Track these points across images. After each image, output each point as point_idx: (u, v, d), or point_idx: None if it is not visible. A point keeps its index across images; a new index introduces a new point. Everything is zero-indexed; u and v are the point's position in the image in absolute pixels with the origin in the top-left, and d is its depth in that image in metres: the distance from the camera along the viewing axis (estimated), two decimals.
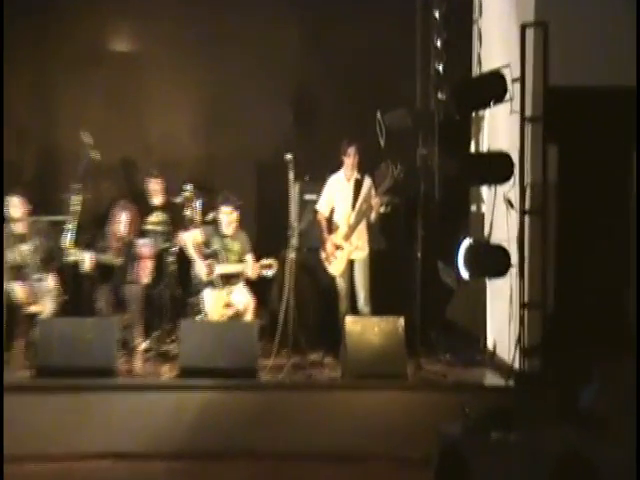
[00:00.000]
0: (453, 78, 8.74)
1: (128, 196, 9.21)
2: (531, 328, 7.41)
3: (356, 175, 8.61)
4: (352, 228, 8.51)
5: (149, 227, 8.97)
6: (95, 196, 9.10)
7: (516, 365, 7.46)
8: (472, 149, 9.07)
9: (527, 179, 7.43)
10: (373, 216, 8.49)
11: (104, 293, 8.41)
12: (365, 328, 7.75)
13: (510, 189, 7.52)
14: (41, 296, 8.22)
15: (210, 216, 8.85)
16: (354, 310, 8.49)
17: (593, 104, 7.25)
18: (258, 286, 8.60)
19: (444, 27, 8.82)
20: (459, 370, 8.12)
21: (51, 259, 8.37)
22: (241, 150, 9.77)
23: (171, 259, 8.77)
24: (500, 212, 7.95)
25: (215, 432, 7.23)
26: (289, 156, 8.05)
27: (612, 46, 7.28)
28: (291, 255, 8.10)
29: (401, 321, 7.74)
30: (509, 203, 7.58)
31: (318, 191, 8.81)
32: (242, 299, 8.39)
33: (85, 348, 7.46)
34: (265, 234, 9.44)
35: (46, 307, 8.19)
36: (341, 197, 8.63)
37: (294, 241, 8.20)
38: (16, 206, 8.31)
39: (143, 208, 8.98)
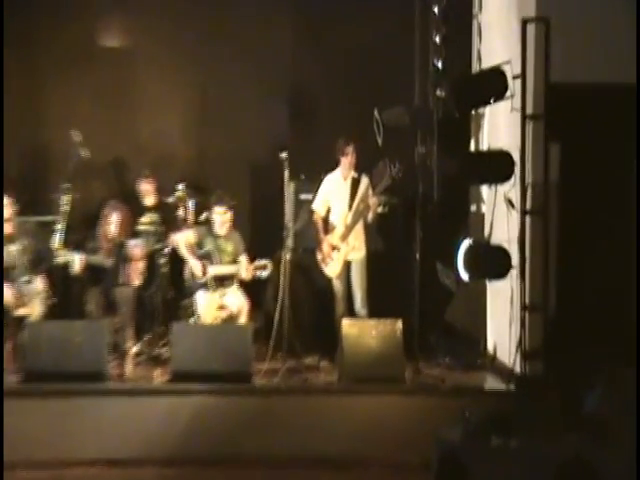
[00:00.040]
0: (452, 75, 8.73)
1: (119, 196, 9.20)
2: (532, 331, 7.40)
3: (353, 174, 8.61)
4: (349, 228, 8.51)
5: (141, 228, 8.96)
6: (85, 196, 9.09)
7: (517, 369, 7.46)
8: (472, 147, 9.08)
9: (528, 178, 7.42)
10: (370, 216, 8.48)
11: (94, 295, 8.39)
12: (362, 331, 7.74)
13: (511, 188, 7.52)
14: (29, 298, 8.19)
15: (203, 216, 8.85)
16: (351, 312, 8.48)
17: (596, 101, 7.26)
18: (252, 288, 8.59)
19: (443, 22, 8.80)
20: (458, 374, 8.12)
21: (40, 260, 8.35)
22: (235, 149, 9.76)
23: (163, 260, 8.77)
24: (500, 212, 7.95)
25: (208, 438, 7.22)
26: (284, 154, 8.05)
27: (615, 42, 7.28)
28: (286, 256, 8.09)
29: (399, 324, 7.74)
30: (510, 203, 7.58)
31: (314, 190, 8.80)
32: (236, 301, 8.38)
33: (75, 352, 7.45)
34: (259, 234, 9.43)
35: (35, 310, 8.16)
36: (338, 197, 8.62)
37: (289, 242, 8.20)
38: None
39: (134, 208, 8.96)
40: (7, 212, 8.28)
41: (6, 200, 8.26)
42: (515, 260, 7.43)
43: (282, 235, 8.15)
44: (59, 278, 8.49)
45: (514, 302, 7.59)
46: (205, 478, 7.03)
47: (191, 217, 8.99)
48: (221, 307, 8.38)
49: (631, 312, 7.09)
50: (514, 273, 7.47)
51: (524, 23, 7.36)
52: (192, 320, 8.38)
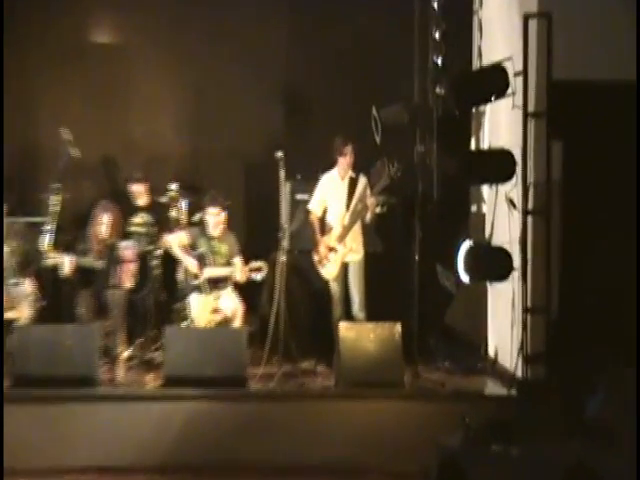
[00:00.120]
0: (452, 72, 8.73)
1: (110, 196, 9.21)
2: (534, 334, 7.41)
3: (350, 173, 8.61)
4: (346, 229, 8.51)
5: (132, 229, 8.96)
6: (75, 196, 9.09)
7: (518, 373, 7.46)
8: (472, 146, 9.08)
9: (530, 177, 7.43)
10: (368, 217, 8.48)
11: (85, 298, 8.39)
12: (360, 334, 7.74)
13: (512, 188, 7.53)
14: (18, 301, 8.20)
15: (196, 217, 8.86)
16: (348, 316, 8.49)
17: (599, 99, 7.26)
18: (247, 290, 8.59)
19: (443, 18, 8.80)
20: (459, 378, 8.12)
21: (29, 262, 8.35)
22: (229, 148, 9.78)
23: (155, 262, 8.77)
24: (502, 212, 7.96)
25: (202, 444, 7.21)
26: (280, 154, 8.06)
27: (619, 38, 7.29)
28: (282, 258, 8.09)
29: (398, 327, 7.74)
30: (511, 203, 7.58)
31: (310, 190, 8.81)
32: (230, 304, 8.39)
33: (65, 356, 7.45)
34: (254, 236, 9.44)
35: (23, 313, 8.17)
36: (335, 197, 8.62)
37: (285, 243, 8.20)
38: None
39: (126, 209, 8.96)
40: None
41: None
42: (517, 261, 7.43)
43: (278, 236, 8.15)
44: (48, 280, 8.50)
45: (515, 304, 7.59)
46: None
47: (184, 218, 9.00)
48: (215, 310, 8.38)
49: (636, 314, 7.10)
50: (516, 275, 7.47)
51: (526, 19, 7.37)
52: (185, 323, 8.38)
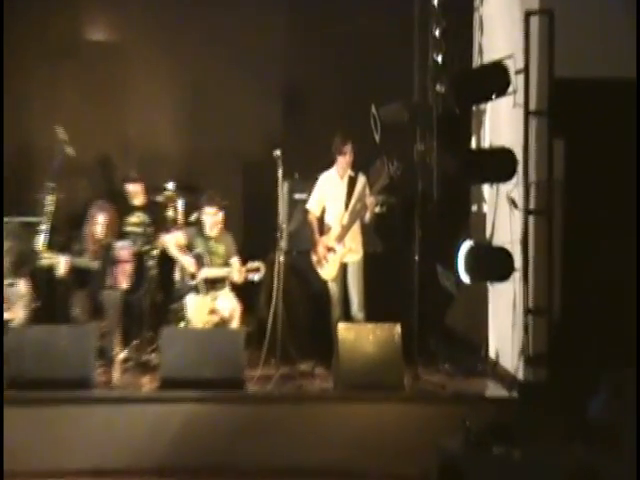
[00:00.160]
0: (453, 69, 8.73)
1: (106, 196, 9.20)
2: (536, 336, 7.41)
3: (350, 172, 8.61)
4: (345, 229, 8.51)
5: (128, 228, 8.95)
6: (70, 196, 9.10)
7: (520, 375, 7.47)
8: (473, 145, 9.08)
9: (531, 177, 7.43)
10: (368, 216, 8.48)
11: (80, 299, 8.38)
12: (359, 336, 7.74)
13: (513, 187, 7.53)
14: (12, 302, 8.19)
15: (193, 217, 8.86)
16: (347, 317, 8.49)
17: (602, 97, 7.26)
18: (245, 291, 8.59)
19: (443, 15, 8.80)
20: (459, 380, 8.13)
21: (23, 263, 8.35)
22: (226, 146, 9.77)
23: (152, 263, 8.77)
24: (503, 212, 7.96)
25: (199, 447, 7.22)
26: (278, 152, 8.05)
27: (622, 35, 7.28)
28: (280, 258, 8.09)
29: (397, 328, 7.74)
30: (512, 202, 7.59)
31: (309, 190, 8.81)
32: (228, 305, 8.39)
33: (60, 358, 7.44)
34: (252, 236, 9.44)
35: (18, 314, 8.17)
36: (333, 196, 8.62)
37: (283, 243, 8.20)
38: None
39: (122, 208, 8.95)
40: None
41: None
42: (518, 262, 7.43)
43: (275, 236, 8.15)
44: (43, 281, 8.50)
45: (517, 306, 7.60)
46: None
47: (181, 218, 9.00)
48: (212, 311, 8.39)
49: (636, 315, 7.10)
50: (517, 275, 7.47)
51: (527, 15, 7.37)
52: (182, 325, 8.38)
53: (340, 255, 8.51)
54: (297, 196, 9.18)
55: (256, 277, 8.31)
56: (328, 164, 8.67)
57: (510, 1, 8.08)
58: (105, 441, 7.18)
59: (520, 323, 7.50)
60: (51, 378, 7.35)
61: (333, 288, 8.58)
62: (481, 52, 8.88)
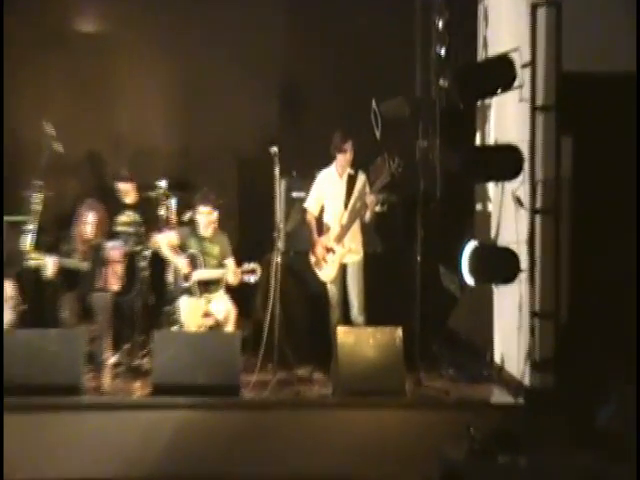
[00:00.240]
0: (456, 63, 8.75)
1: (95, 194, 9.19)
2: (542, 340, 7.42)
3: (349, 170, 8.61)
4: (345, 229, 8.51)
5: (119, 228, 8.95)
6: (58, 194, 9.10)
7: (526, 381, 7.47)
8: (477, 141, 9.09)
9: (538, 174, 7.44)
10: (368, 215, 8.49)
11: (69, 301, 8.39)
12: (359, 340, 7.75)
13: (519, 186, 7.53)
14: None
15: (187, 216, 8.85)
16: (347, 320, 8.50)
17: (611, 92, 7.26)
18: (240, 293, 8.60)
19: (446, 6, 8.82)
20: (463, 386, 8.13)
21: (9, 264, 8.35)
22: (221, 142, 9.78)
23: (143, 264, 8.76)
24: (508, 211, 7.97)
25: (192, 456, 7.21)
26: (274, 149, 8.06)
27: (632, 28, 7.28)
28: (277, 259, 8.09)
29: (399, 332, 7.75)
30: (518, 201, 7.59)
31: (307, 188, 8.82)
32: (222, 308, 8.39)
33: (48, 363, 7.45)
34: (248, 236, 9.46)
35: (4, 317, 8.16)
36: (332, 194, 8.63)
37: (280, 244, 8.21)
38: None
39: (112, 207, 8.95)
40: None
41: None
42: (524, 263, 7.44)
43: (272, 236, 8.16)
44: (31, 283, 8.49)
45: (523, 308, 7.60)
46: None
47: (174, 217, 8.99)
48: (206, 314, 8.40)
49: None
50: (523, 277, 7.47)
51: (534, 7, 7.38)
52: (175, 328, 8.38)
53: (339, 256, 8.51)
54: (295, 195, 9.19)
55: (252, 279, 8.30)
56: (327, 162, 8.67)
57: None
58: (95, 449, 7.18)
59: (526, 326, 7.51)
60: (39, 383, 7.35)
61: (332, 290, 8.58)
62: (486, 45, 8.87)
